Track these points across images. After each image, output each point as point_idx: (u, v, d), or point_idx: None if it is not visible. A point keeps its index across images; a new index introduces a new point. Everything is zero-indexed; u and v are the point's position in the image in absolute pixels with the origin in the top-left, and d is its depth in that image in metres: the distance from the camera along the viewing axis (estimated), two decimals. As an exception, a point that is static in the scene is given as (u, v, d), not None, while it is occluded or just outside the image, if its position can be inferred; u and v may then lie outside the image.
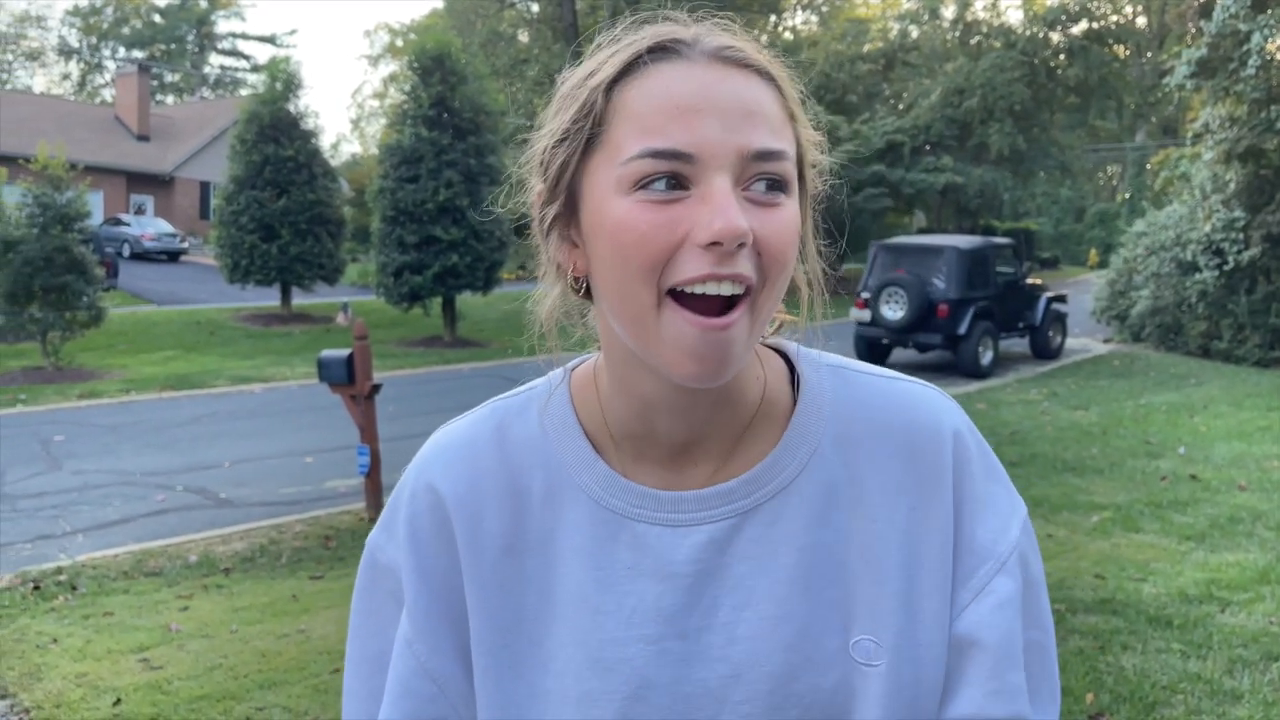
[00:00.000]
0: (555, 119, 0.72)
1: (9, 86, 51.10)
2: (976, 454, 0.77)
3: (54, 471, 7.92)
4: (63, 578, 5.28)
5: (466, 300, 17.96)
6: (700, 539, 0.74)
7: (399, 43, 52.46)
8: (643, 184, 0.65)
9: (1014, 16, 39.03)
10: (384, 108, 55.38)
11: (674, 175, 0.65)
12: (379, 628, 0.80)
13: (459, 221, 16.38)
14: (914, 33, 38.22)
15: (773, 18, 43.39)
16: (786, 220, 0.67)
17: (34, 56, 56.75)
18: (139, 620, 4.59)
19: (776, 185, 0.66)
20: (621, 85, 0.67)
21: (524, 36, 40.46)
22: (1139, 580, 4.83)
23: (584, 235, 0.71)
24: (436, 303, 17.00)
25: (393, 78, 52.97)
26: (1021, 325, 14.60)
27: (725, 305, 0.66)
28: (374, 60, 63.33)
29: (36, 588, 5.11)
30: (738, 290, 0.65)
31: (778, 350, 0.81)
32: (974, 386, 12.38)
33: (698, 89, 0.65)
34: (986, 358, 13.33)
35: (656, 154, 0.64)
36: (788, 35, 43.82)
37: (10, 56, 56.10)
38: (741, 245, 0.64)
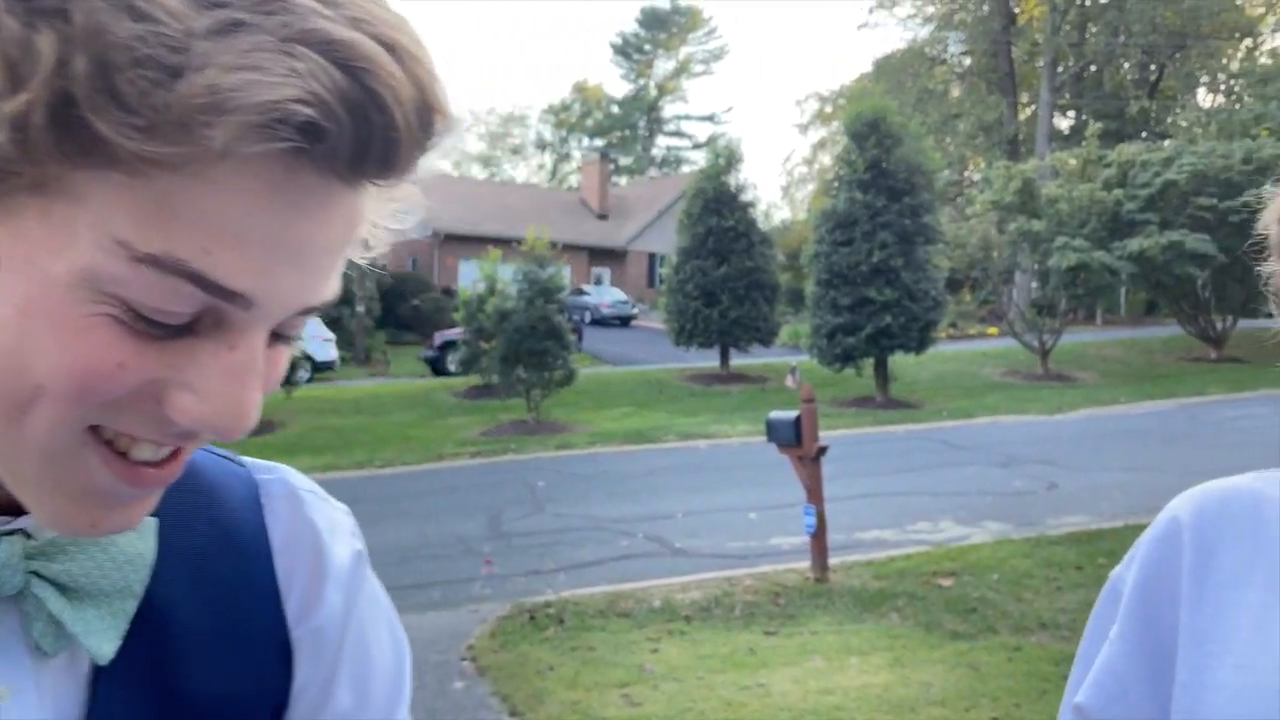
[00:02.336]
0: None
1: (497, 179, 60.03)
2: None
3: (538, 514, 9.04)
4: (552, 611, 5.99)
5: (899, 360, 17.77)
6: None
7: (828, 108, 53.85)
8: None
9: None
10: (813, 173, 57.01)
11: None
12: (1097, 631, 0.90)
13: (893, 282, 16.34)
14: None
15: (1246, 42, 38.46)
16: None
17: (516, 151, 66.32)
18: (616, 657, 5.07)
19: None
20: None
21: (956, 90, 39.67)
22: None
23: None
24: (869, 363, 17.03)
25: (821, 143, 54.46)
26: None
27: None
28: (804, 128, 65.71)
29: (532, 618, 5.84)
30: None
31: None
32: None
33: None
34: None
35: None
36: (1265, 60, 38.52)
37: (499, 152, 66.09)
38: None
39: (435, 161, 0.47)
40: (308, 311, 0.48)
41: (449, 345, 21.47)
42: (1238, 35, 37.49)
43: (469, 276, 18.89)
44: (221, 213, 0.41)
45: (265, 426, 14.95)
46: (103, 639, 0.52)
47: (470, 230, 35.50)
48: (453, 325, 19.15)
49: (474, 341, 15.54)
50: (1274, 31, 39.01)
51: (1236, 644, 0.79)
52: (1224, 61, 38.40)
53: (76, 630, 0.51)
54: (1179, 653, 0.82)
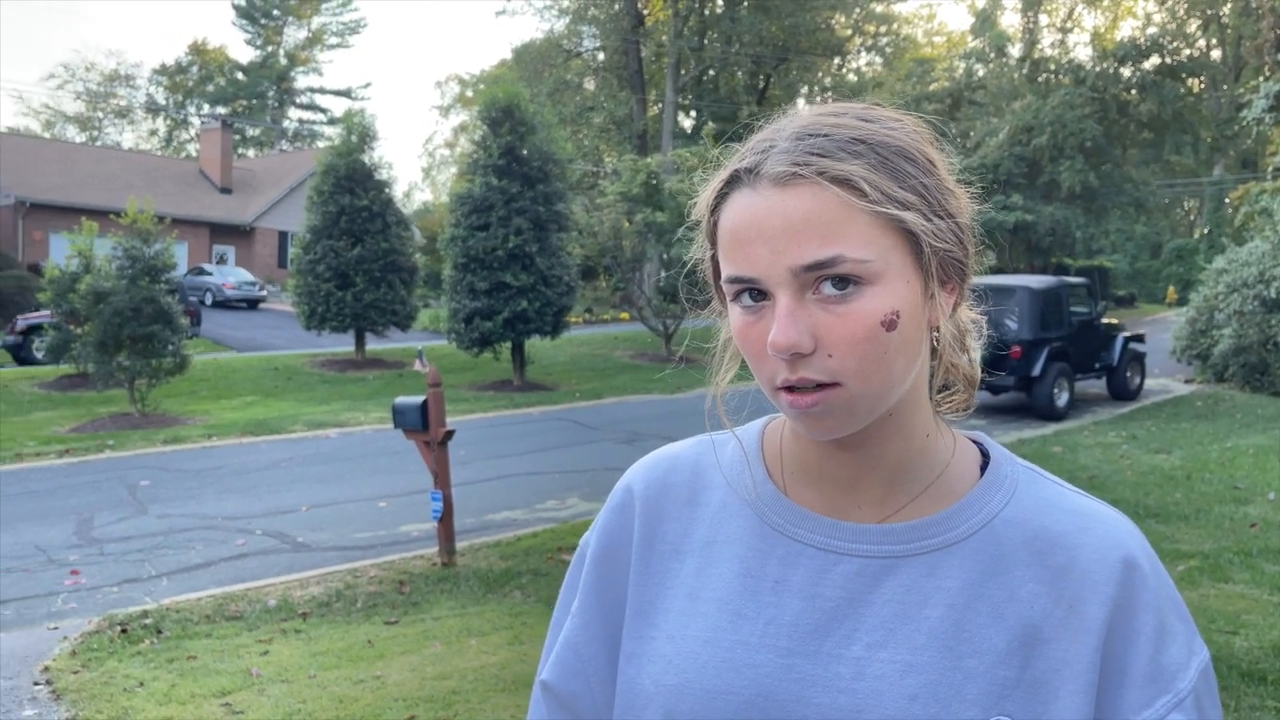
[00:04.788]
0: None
1: (99, 143, 53.55)
2: (1153, 585, 0.77)
3: (140, 516, 8.18)
4: (148, 621, 5.44)
5: (535, 344, 18.18)
6: (850, 569, 0.78)
7: (469, 93, 53.77)
8: (735, 297, 0.76)
9: (1083, 53, 38.56)
10: (454, 156, 56.70)
11: (754, 290, 0.74)
12: (567, 600, 0.92)
13: (528, 268, 16.65)
14: (980, 71, 37.97)
15: (836, 60, 43.57)
16: (853, 319, 0.71)
17: (123, 114, 59.51)
18: (221, 664, 4.70)
19: (847, 281, 0.71)
20: (718, 211, 0.77)
21: (590, 84, 41.18)
22: (1230, 633, 4.66)
23: None
24: (506, 347, 17.24)
25: (463, 127, 54.31)
26: (1098, 366, 14.26)
27: (818, 385, 0.73)
28: (445, 110, 65.00)
29: (124, 631, 5.27)
30: (822, 379, 0.72)
31: (976, 443, 0.86)
32: (1049, 429, 12.11)
33: (749, 220, 0.73)
34: (1062, 399, 13.03)
35: (731, 279, 0.75)
36: (852, 77, 43.91)
37: (101, 114, 58.91)
38: (799, 354, 0.71)
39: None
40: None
41: (34, 329, 18.91)
42: (830, 53, 42.36)
43: (60, 252, 16.67)
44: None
45: None
46: None
47: (63, 200, 31.39)
48: (39, 307, 16.78)
49: (64, 325, 13.75)
50: (859, 52, 44.59)
51: (672, 614, 0.82)
52: (819, 75, 43.22)
53: None
54: (626, 624, 0.85)
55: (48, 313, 14.74)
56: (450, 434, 6.60)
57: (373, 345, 19.78)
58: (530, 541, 7.08)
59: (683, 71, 37.83)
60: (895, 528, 0.78)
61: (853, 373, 0.72)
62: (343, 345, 20.08)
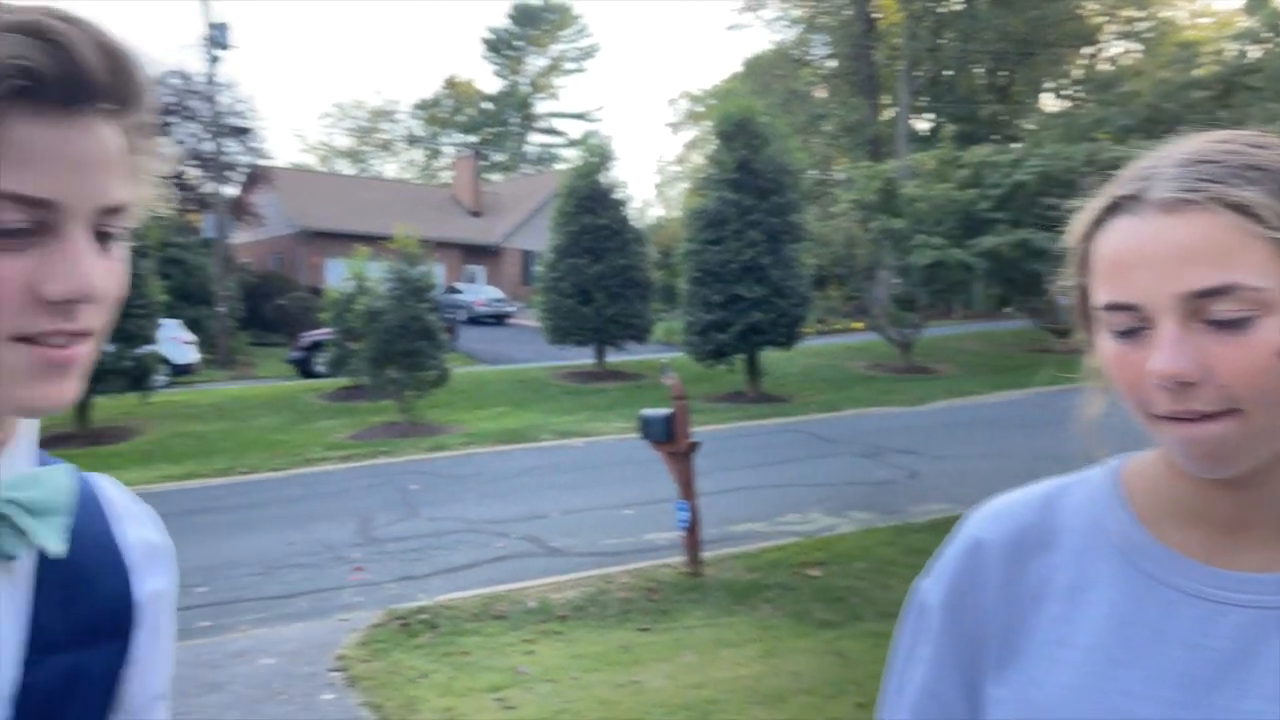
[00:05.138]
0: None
1: (365, 174, 58.57)
2: None
3: (412, 518, 8.87)
4: (425, 617, 5.89)
5: (769, 356, 18.18)
6: (1240, 620, 0.75)
7: (700, 108, 54.59)
8: (1111, 326, 0.74)
9: (1384, 22, 34.11)
10: (686, 171, 57.71)
11: (1131, 319, 0.72)
12: (909, 648, 0.92)
13: (762, 279, 16.70)
14: (1254, 52, 34.44)
15: (1088, 50, 40.86)
16: (1250, 349, 0.69)
17: (385, 146, 64.84)
18: (491, 661, 5.03)
19: (1237, 310, 0.69)
20: (1094, 235, 0.76)
21: (821, 92, 40.79)
22: None
23: None
24: (740, 359, 17.36)
25: (694, 142, 55.20)
26: None
27: (1204, 416, 0.71)
28: (676, 127, 66.38)
29: (404, 625, 5.73)
30: (1212, 409, 0.70)
31: None
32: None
33: (1135, 245, 0.72)
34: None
35: (1109, 306, 0.74)
36: (1106, 66, 41.03)
37: (368, 147, 64.47)
38: (1184, 384, 0.69)
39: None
40: (112, 211, 0.67)
41: (316, 346, 20.86)
42: (1079, 44, 39.79)
43: (336, 275, 18.37)
44: (10, 146, 0.61)
45: (121, 433, 14.20)
46: (56, 542, 0.72)
47: (337, 227, 34.55)
48: (319, 325, 18.58)
49: (342, 342, 15.13)
50: (1112, 40, 41.60)
51: (1040, 661, 0.82)
52: (1067, 68, 40.69)
53: (38, 537, 0.71)
54: (989, 671, 0.84)
55: (328, 330, 16.21)
56: (696, 445, 6.72)
57: (611, 358, 20.46)
58: (776, 554, 7.10)
59: (917, 73, 36.73)
60: None
61: (1252, 402, 0.69)
62: (584, 358, 20.89)
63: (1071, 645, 0.80)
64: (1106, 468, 0.87)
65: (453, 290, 33.42)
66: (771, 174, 17.12)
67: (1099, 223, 0.76)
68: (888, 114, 37.94)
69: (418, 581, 6.88)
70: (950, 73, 39.34)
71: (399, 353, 13.93)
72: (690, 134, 58.67)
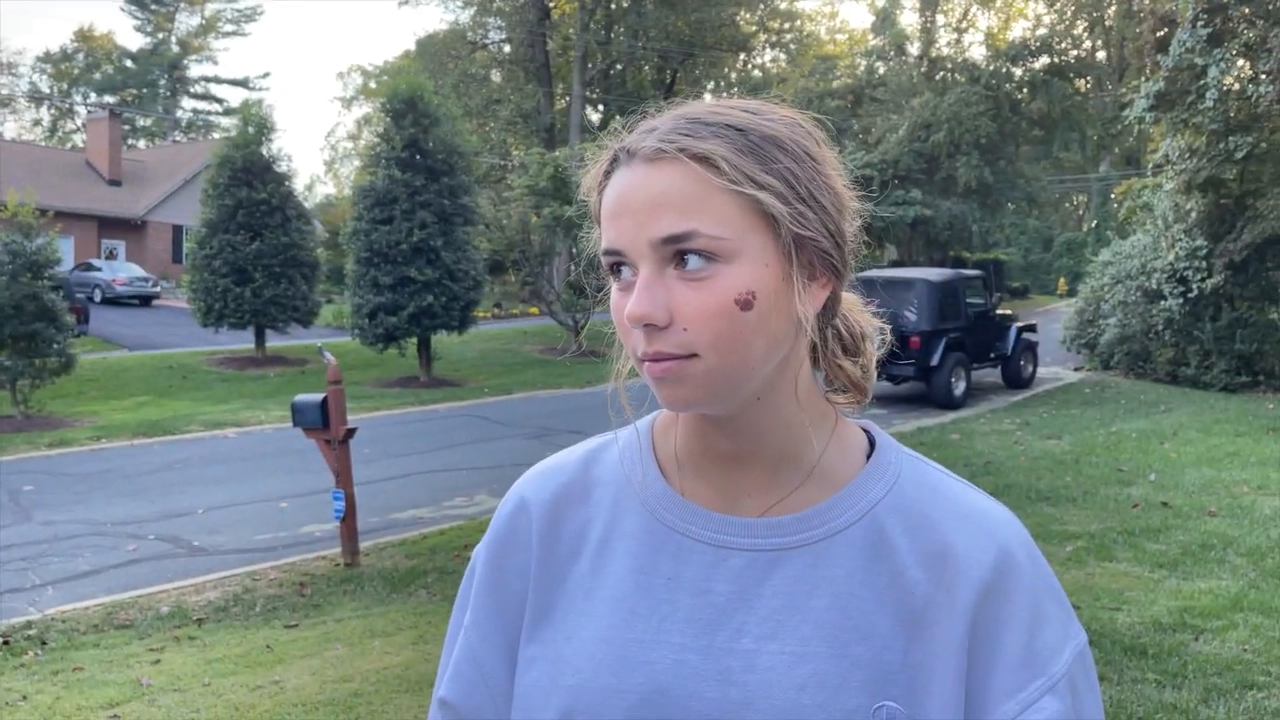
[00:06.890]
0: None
1: (-22, 133, 50.82)
2: (1029, 571, 0.78)
3: (23, 523, 7.81)
4: (32, 632, 5.21)
5: (442, 340, 17.94)
6: (740, 563, 0.78)
7: (372, 84, 52.67)
8: (611, 272, 0.77)
9: (977, 52, 39.80)
10: (358, 149, 55.53)
11: (623, 265, 0.75)
12: (461, 614, 0.89)
13: (433, 262, 16.42)
14: (881, 69, 38.83)
15: (742, 57, 44.04)
16: (708, 294, 0.72)
17: (4, 103, 56.56)
18: (109, 675, 4.52)
19: (703, 257, 0.72)
20: (604, 188, 0.78)
21: (496, 77, 40.77)
22: (1114, 609, 4.87)
23: None
24: (412, 343, 16.97)
25: (366, 119, 53.18)
26: (993, 355, 14.75)
27: (670, 357, 0.73)
28: (347, 102, 63.52)
29: (5, 643, 5.03)
30: (676, 352, 0.73)
31: (866, 431, 0.86)
32: (947, 417, 12.47)
33: (624, 194, 0.74)
34: (959, 388, 13.44)
35: (604, 253, 0.76)
36: (757, 73, 44.45)
37: (-21, 103, 55.89)
38: (653, 326, 0.72)
39: None
40: None
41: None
42: (735, 49, 42.80)
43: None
44: None
45: None
46: None
47: (-63, 192, 29.67)
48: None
49: (-62, 325, 13.02)
50: (764, 48, 45.15)
51: (570, 614, 0.82)
52: (725, 70, 43.61)
53: None
54: (524, 630, 0.84)
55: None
56: (352, 432, 6.46)
57: (274, 342, 19.27)
58: (437, 539, 6.99)
59: (590, 65, 37.76)
60: (782, 520, 0.79)
61: (707, 345, 0.72)
62: (242, 342, 19.51)
63: (598, 598, 0.81)
64: (642, 421, 0.89)
65: (88, 267, 29.87)
66: (442, 155, 16.86)
67: (606, 176, 0.77)
68: (561, 103, 38.67)
69: (26, 594, 6.06)
70: (620, 66, 40.80)
71: (11, 336, 12.22)
72: (362, 110, 56.51)
